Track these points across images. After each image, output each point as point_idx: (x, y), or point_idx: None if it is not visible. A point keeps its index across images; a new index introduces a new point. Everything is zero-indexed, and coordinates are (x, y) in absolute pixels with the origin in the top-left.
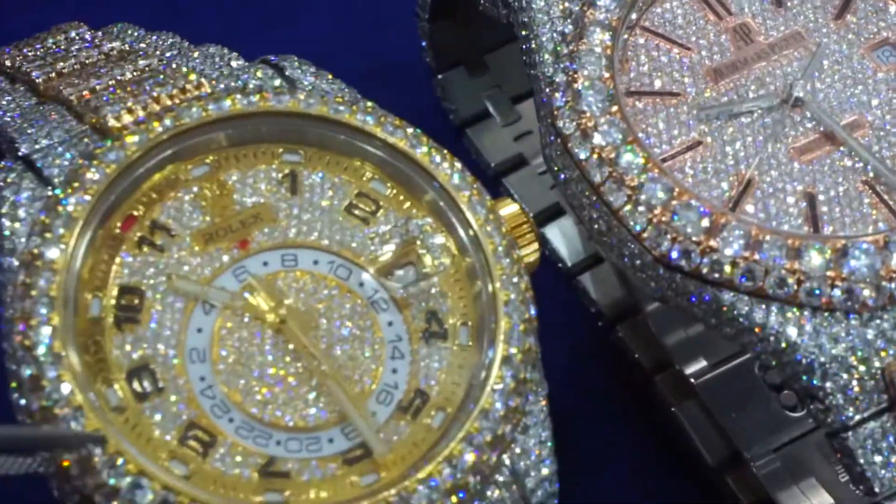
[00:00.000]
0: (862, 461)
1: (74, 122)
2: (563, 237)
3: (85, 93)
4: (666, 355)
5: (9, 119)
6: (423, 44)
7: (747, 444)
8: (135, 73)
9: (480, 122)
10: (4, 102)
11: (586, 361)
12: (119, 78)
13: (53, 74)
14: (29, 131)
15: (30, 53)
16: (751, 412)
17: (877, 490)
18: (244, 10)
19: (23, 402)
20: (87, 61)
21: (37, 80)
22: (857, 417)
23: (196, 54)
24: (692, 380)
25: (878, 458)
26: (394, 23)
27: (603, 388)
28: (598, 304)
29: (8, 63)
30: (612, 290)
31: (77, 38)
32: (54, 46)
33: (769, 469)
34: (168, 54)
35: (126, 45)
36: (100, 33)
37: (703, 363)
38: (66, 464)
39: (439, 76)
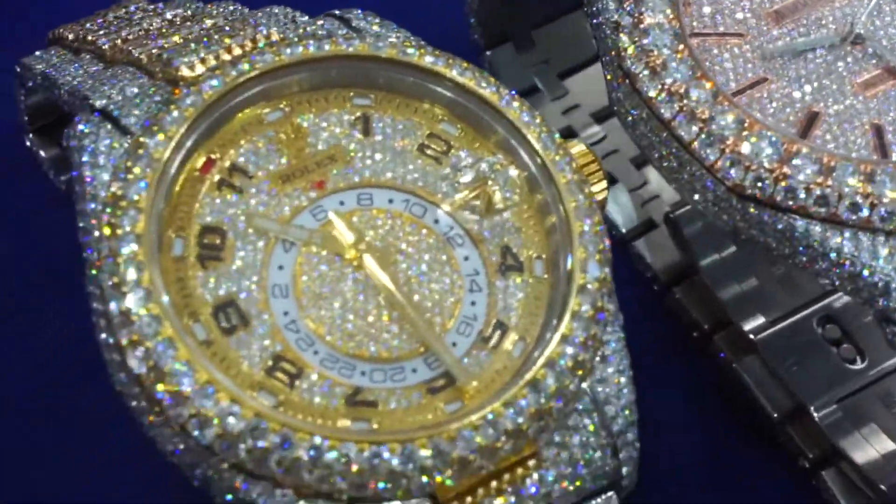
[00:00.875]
0: None
1: (146, 79)
2: (616, 205)
3: (154, 50)
4: (723, 314)
5: (79, 81)
6: (472, 20)
7: (809, 396)
8: (202, 31)
9: (528, 97)
10: (73, 69)
11: (638, 326)
12: (187, 35)
13: (119, 41)
14: (102, 88)
15: (92, 27)
16: (811, 366)
17: None
18: None
19: (111, 339)
20: (151, 27)
21: (103, 47)
22: None
23: (260, 14)
24: (751, 336)
25: None
26: None
27: (657, 350)
28: (654, 268)
29: (70, 36)
30: (667, 254)
31: (137, 10)
32: (115, 20)
33: (831, 419)
34: (232, 17)
35: (188, 12)
36: (160, 4)
37: (761, 319)
38: (157, 392)
39: (487, 52)
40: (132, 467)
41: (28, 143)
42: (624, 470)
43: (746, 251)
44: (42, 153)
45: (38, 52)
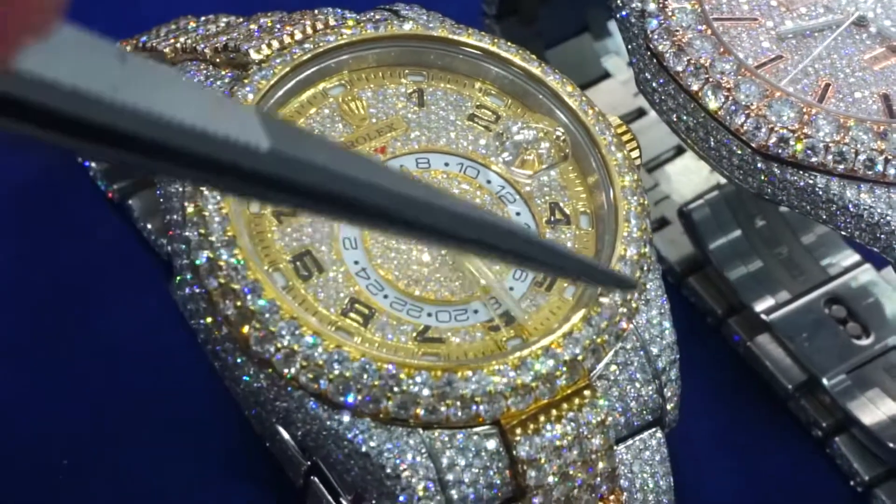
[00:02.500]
0: None
1: (212, 69)
2: None
3: (218, 44)
4: (735, 298)
5: None
6: None
7: (821, 368)
8: (262, 24)
9: None
10: None
11: None
12: (248, 29)
13: (178, 46)
14: None
15: (148, 38)
16: (821, 342)
17: None
18: None
19: (198, 288)
20: (209, 31)
21: (164, 51)
22: None
23: (313, 11)
24: (763, 316)
25: None
26: (460, 19)
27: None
28: (669, 261)
29: (128, 48)
30: (680, 247)
31: (190, 21)
32: (172, 30)
33: (841, 387)
34: (285, 15)
35: (241, 19)
36: (205, 17)
37: (771, 301)
38: (244, 331)
39: None
40: None
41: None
42: (668, 406)
43: (753, 236)
44: (95, 164)
45: None
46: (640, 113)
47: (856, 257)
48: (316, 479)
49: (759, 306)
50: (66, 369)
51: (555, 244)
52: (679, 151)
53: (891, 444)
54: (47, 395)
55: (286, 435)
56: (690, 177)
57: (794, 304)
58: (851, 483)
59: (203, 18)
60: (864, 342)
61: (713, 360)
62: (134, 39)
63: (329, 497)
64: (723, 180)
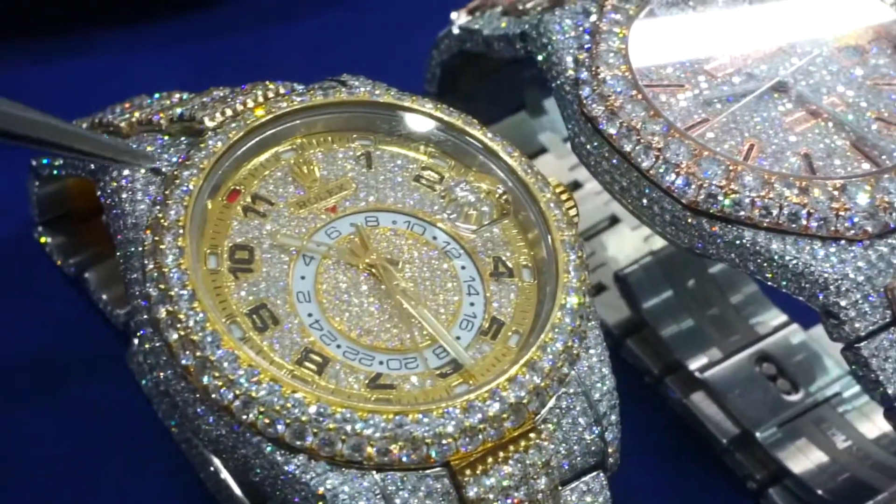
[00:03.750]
0: (875, 369)
1: (168, 138)
2: None
3: (173, 116)
4: (671, 358)
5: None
6: None
7: (753, 423)
8: (216, 96)
9: None
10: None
11: None
12: (204, 100)
13: (134, 120)
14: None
15: (105, 115)
16: (753, 398)
17: (890, 392)
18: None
19: (158, 342)
20: (164, 104)
21: (120, 125)
22: (868, 330)
23: (260, 84)
24: (697, 374)
25: (888, 366)
26: None
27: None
28: (608, 325)
29: (84, 125)
30: (617, 311)
31: (141, 101)
32: (128, 107)
33: (773, 440)
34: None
35: (189, 95)
36: (159, 94)
37: (704, 360)
38: (204, 380)
39: None
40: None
41: (37, 234)
42: (610, 449)
43: (684, 295)
44: (51, 240)
45: None
46: (576, 185)
47: (783, 317)
48: None
49: (693, 364)
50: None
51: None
52: (613, 221)
53: (820, 492)
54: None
55: (241, 494)
56: (625, 245)
57: (726, 362)
58: None
59: (157, 95)
60: (794, 398)
61: (652, 418)
62: (92, 117)
63: None
64: (656, 247)
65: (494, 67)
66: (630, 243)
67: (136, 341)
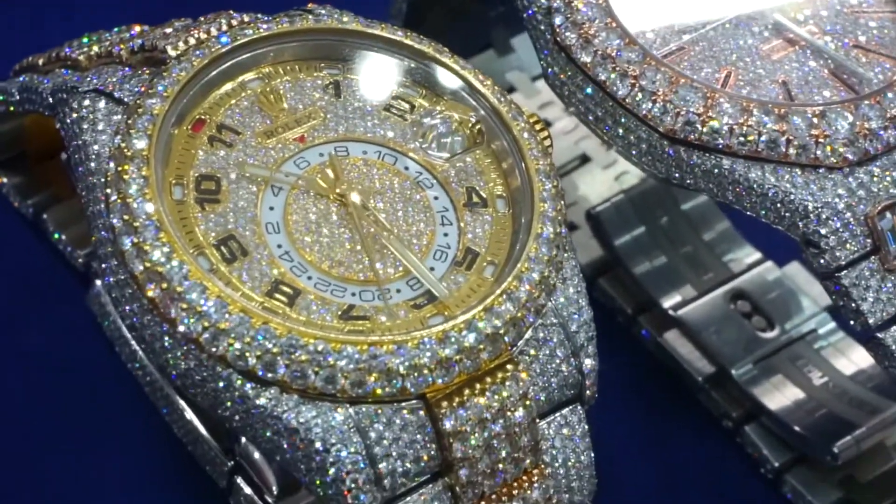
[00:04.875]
0: (856, 298)
1: (128, 70)
2: None
3: (134, 46)
4: (645, 297)
5: (62, 80)
6: None
7: (729, 360)
8: (179, 26)
9: None
10: (50, 79)
11: None
12: (165, 31)
13: (93, 53)
14: (88, 78)
15: (62, 51)
16: (728, 335)
17: (871, 322)
18: None
19: (123, 274)
20: (124, 37)
21: (79, 58)
22: (849, 259)
23: (224, 13)
24: (671, 312)
25: (869, 295)
26: None
27: None
28: (580, 265)
29: (41, 62)
30: (589, 251)
31: (100, 35)
32: (86, 43)
33: (749, 377)
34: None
35: (150, 27)
36: (114, 30)
37: (678, 298)
38: (172, 313)
39: None
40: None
41: None
42: (587, 382)
43: (657, 232)
44: (5, 180)
45: (2, 83)
46: (546, 124)
47: (757, 255)
48: (239, 479)
49: (667, 302)
50: None
51: None
52: (584, 160)
53: (797, 428)
54: None
55: (207, 434)
56: (596, 184)
57: (700, 300)
58: (762, 470)
59: (116, 29)
60: (770, 335)
61: (625, 359)
62: (48, 53)
63: (254, 495)
64: (627, 186)
65: (461, 5)
66: (601, 182)
67: (97, 282)
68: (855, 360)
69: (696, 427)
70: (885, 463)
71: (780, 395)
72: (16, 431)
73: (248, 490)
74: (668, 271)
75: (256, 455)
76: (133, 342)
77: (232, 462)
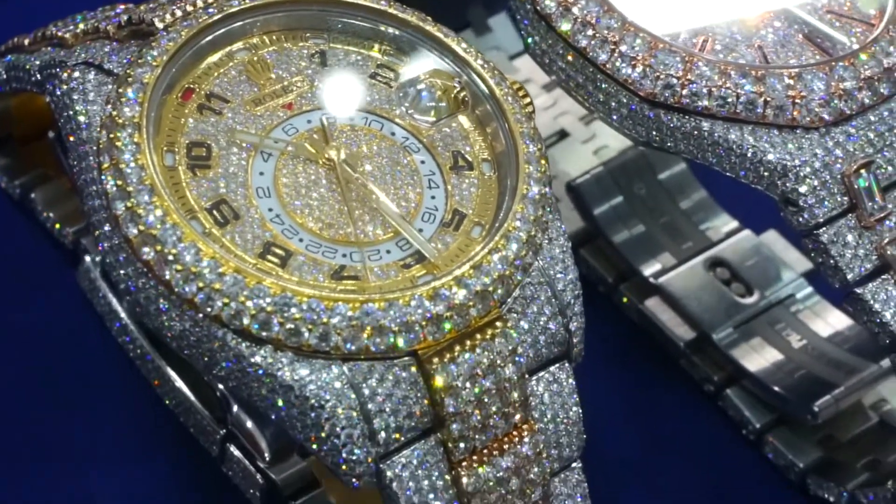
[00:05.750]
0: (835, 255)
1: (115, 43)
2: None
3: (121, 20)
4: (625, 265)
5: (50, 56)
6: None
7: (710, 325)
8: (161, 1)
9: None
10: (37, 55)
11: None
12: (150, 5)
13: (79, 31)
14: (76, 52)
15: (48, 29)
16: (708, 301)
17: (849, 278)
18: None
19: (117, 239)
20: (109, 14)
21: (65, 36)
22: (826, 216)
23: None
24: (652, 279)
25: (847, 252)
26: None
27: None
28: None
29: (26, 42)
30: (570, 223)
31: (85, 14)
32: (70, 21)
33: (729, 341)
34: None
35: (133, 5)
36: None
37: (658, 266)
38: (167, 275)
39: None
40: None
41: None
42: (574, 339)
43: (635, 201)
44: None
45: None
46: None
47: (734, 223)
48: (232, 446)
49: (647, 270)
50: None
51: None
52: (562, 136)
53: (777, 389)
54: None
55: (199, 404)
56: (575, 159)
57: (680, 267)
58: (744, 432)
59: (101, 8)
60: (749, 300)
61: (607, 326)
62: (34, 33)
63: (246, 462)
64: (605, 159)
65: None
66: (580, 156)
67: (86, 258)
68: (832, 322)
69: (678, 392)
70: (863, 422)
71: (759, 358)
72: (8, 407)
73: (240, 456)
74: (647, 240)
75: (249, 424)
76: (123, 316)
77: (224, 430)
